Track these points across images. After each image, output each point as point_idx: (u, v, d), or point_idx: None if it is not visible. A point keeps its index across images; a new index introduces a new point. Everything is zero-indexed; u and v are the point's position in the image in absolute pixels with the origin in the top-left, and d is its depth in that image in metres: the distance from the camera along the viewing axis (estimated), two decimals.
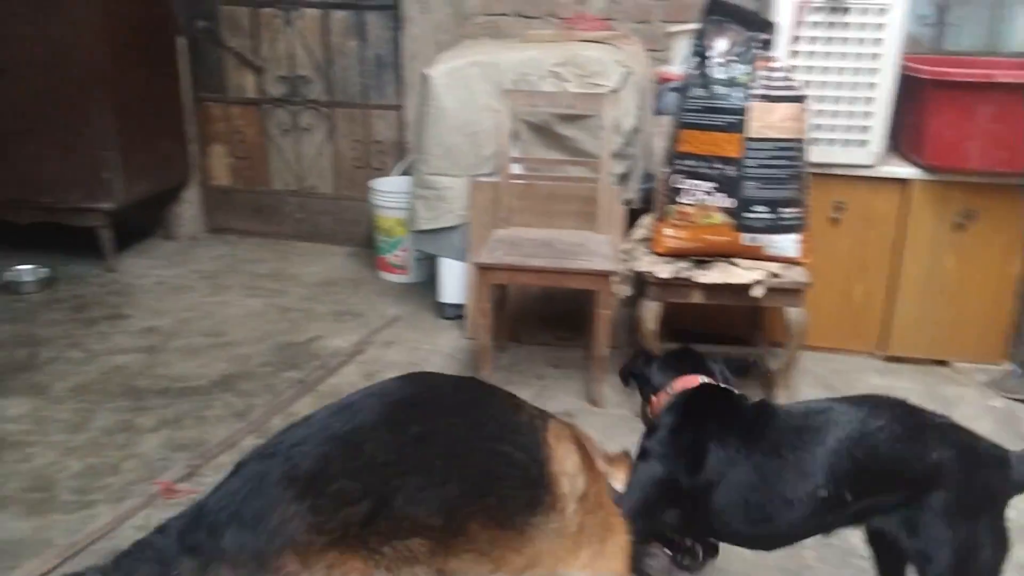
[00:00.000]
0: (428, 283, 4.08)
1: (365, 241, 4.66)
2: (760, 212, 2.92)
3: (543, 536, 1.51)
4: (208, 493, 1.39)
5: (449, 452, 1.45)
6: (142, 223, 4.82)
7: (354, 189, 4.73)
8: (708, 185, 2.95)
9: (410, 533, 1.37)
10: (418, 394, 1.57)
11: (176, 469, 2.72)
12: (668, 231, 3.00)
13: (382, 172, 4.56)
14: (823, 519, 1.78)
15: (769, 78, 2.90)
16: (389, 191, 4.24)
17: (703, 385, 2.00)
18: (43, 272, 4.23)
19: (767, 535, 1.85)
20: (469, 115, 3.51)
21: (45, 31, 4.05)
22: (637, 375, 2.17)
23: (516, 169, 3.44)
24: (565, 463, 1.57)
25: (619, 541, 1.66)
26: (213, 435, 2.93)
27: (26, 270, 4.22)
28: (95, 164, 4.21)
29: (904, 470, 1.71)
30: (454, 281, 3.78)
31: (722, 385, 2.03)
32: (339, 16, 4.49)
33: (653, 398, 2.06)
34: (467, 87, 3.49)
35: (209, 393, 3.22)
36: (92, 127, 4.17)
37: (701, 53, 2.94)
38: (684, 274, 2.92)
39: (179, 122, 4.75)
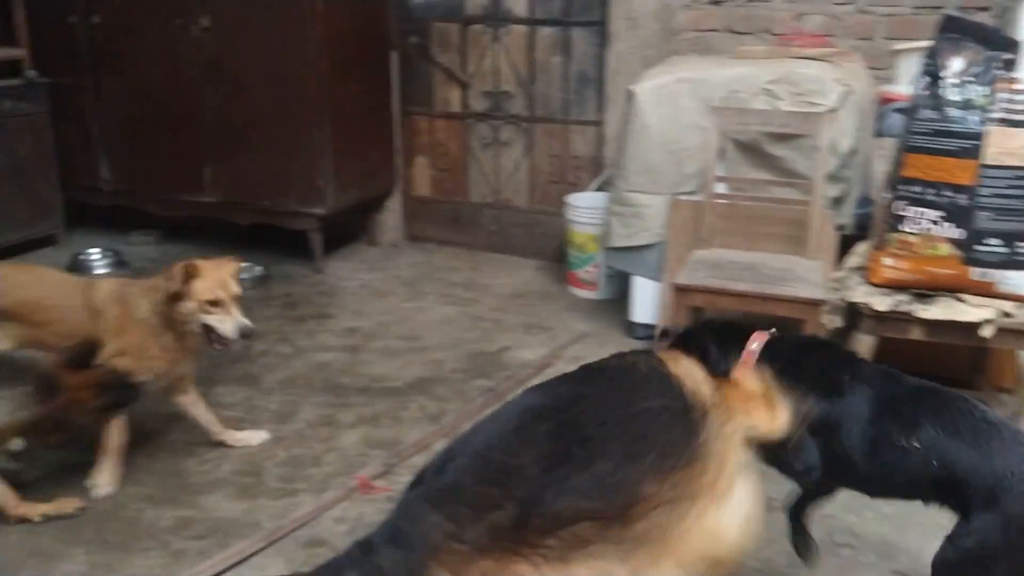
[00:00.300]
0: (618, 301, 4.03)
1: (556, 255, 4.68)
2: (993, 245, 2.68)
3: (715, 441, 1.53)
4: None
5: (584, 437, 1.48)
6: (348, 228, 5.06)
7: (548, 203, 4.77)
8: (935, 214, 2.73)
9: (573, 520, 1.39)
10: (542, 398, 1.63)
11: (373, 466, 2.81)
12: (887, 261, 2.80)
13: (577, 188, 4.57)
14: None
15: (1011, 101, 2.66)
16: (584, 207, 4.23)
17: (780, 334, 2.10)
18: (258, 270, 4.53)
19: (880, 475, 1.92)
20: (673, 132, 3.45)
21: (274, 46, 4.37)
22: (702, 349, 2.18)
23: (720, 188, 3.34)
24: (694, 377, 1.63)
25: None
26: (408, 436, 3.02)
27: (243, 268, 4.52)
28: (311, 171, 4.48)
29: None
30: (646, 300, 3.72)
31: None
32: (545, 32, 4.55)
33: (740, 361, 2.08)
34: (673, 104, 3.43)
35: (405, 395, 3.33)
36: (310, 137, 4.43)
37: (933, 73, 2.74)
38: (904, 308, 2.72)
39: (388, 134, 4.97)
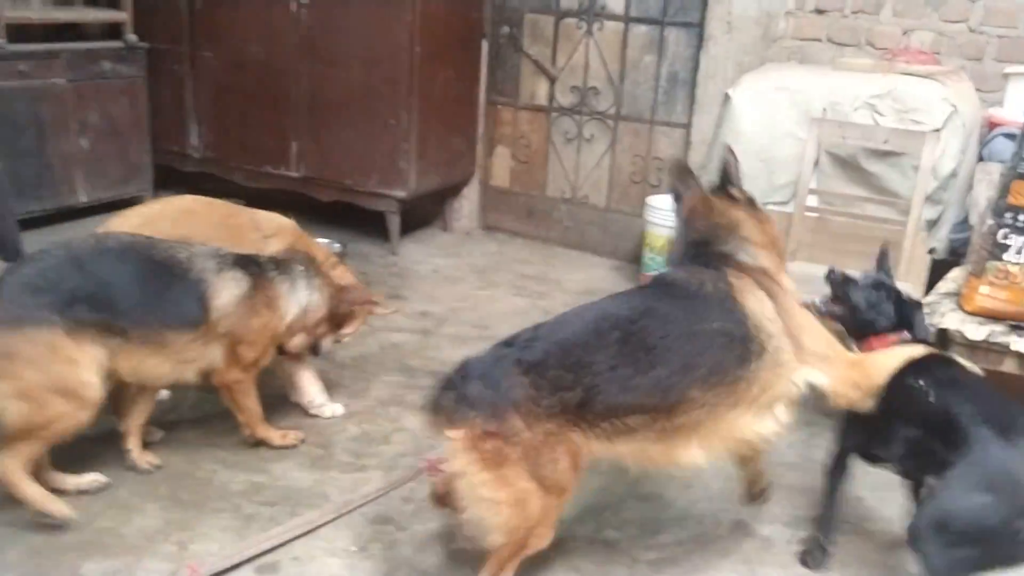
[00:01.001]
0: None
1: (631, 256, 4.64)
2: None
3: (764, 369, 1.94)
4: (473, 356, 1.98)
5: (648, 345, 1.89)
6: (424, 213, 5.09)
7: (626, 203, 4.74)
8: None
9: (627, 412, 1.86)
10: (618, 308, 2.00)
11: (441, 450, 2.82)
12: (984, 289, 2.72)
13: (659, 189, 4.52)
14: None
15: None
16: (664, 209, 4.17)
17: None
18: (336, 247, 4.56)
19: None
20: (767, 140, 3.39)
21: (369, 27, 4.40)
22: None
23: (812, 201, 3.27)
24: (762, 311, 1.95)
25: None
26: None
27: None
28: (395, 154, 4.51)
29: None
30: None
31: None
32: (640, 31, 4.51)
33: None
34: (770, 111, 3.37)
35: None
36: (397, 119, 4.46)
37: None
38: (999, 339, 2.64)
39: (472, 122, 4.98)
